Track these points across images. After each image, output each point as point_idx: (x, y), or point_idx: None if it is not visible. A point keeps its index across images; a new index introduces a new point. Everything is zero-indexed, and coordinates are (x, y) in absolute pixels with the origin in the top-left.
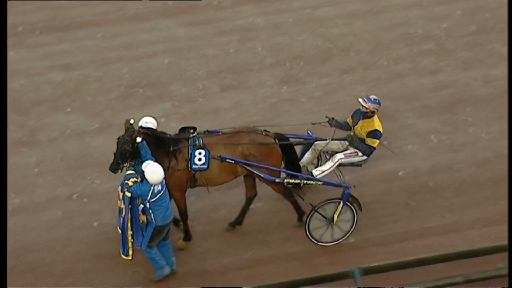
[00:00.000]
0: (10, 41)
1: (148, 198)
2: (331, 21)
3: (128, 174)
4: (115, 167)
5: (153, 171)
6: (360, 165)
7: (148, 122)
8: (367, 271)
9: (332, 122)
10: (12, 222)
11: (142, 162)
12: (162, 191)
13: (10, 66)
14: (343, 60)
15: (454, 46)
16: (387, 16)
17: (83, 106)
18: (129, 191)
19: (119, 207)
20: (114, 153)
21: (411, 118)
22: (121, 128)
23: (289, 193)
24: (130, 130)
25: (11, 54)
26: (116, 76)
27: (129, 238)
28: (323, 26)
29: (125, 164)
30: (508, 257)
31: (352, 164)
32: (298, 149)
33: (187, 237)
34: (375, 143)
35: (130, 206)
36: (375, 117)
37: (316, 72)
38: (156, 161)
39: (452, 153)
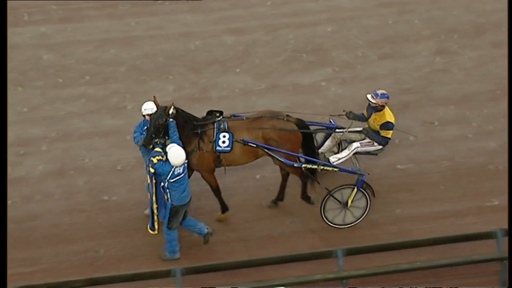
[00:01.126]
0: (187, 6)
1: (168, 177)
2: None
3: (155, 152)
4: (148, 142)
5: (176, 154)
6: (376, 154)
7: (148, 108)
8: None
9: (350, 115)
10: None
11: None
12: (182, 174)
13: (187, 29)
14: (495, 34)
15: None
16: None
17: (251, 68)
18: (153, 168)
19: (146, 182)
20: (147, 128)
21: None
22: (285, 90)
23: (304, 174)
24: (163, 106)
25: (188, 18)
26: (283, 41)
27: (155, 211)
28: (477, 2)
29: (157, 140)
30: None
31: (368, 153)
32: (320, 136)
33: (224, 208)
34: (389, 134)
35: (154, 181)
36: (386, 110)
37: (468, 45)
38: (181, 142)
39: None
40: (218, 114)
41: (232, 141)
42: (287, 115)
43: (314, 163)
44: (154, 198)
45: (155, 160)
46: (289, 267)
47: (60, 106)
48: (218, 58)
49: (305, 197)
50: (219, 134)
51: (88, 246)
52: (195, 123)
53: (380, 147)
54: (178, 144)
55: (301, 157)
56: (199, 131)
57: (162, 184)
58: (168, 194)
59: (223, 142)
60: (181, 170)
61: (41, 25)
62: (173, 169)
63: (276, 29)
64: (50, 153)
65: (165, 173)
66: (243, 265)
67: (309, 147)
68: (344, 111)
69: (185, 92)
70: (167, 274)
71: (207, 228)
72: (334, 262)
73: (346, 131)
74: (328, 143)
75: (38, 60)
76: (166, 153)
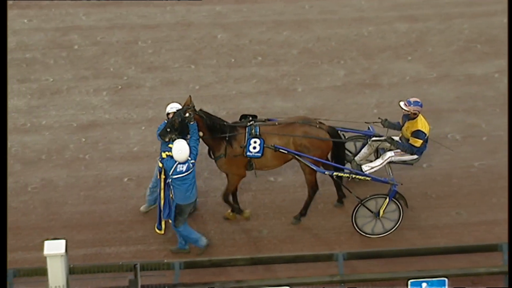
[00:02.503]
0: None
1: (170, 173)
2: None
3: (167, 146)
4: (163, 134)
5: (179, 149)
6: (412, 164)
7: (173, 107)
8: None
9: (385, 123)
10: None
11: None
12: (186, 173)
13: (360, 14)
14: None
15: None
16: None
17: (423, 56)
18: (161, 162)
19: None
20: (166, 121)
21: None
22: (456, 80)
23: (315, 189)
24: (186, 106)
25: (362, 3)
26: (457, 30)
27: (161, 209)
28: None
29: (172, 135)
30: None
31: (404, 163)
32: (359, 144)
33: (234, 210)
34: (417, 142)
35: (163, 177)
36: (419, 118)
37: None
38: (209, 145)
39: None
40: (250, 118)
41: (263, 147)
42: (320, 122)
43: (344, 170)
44: (162, 194)
45: (164, 155)
46: (451, 259)
47: (231, 85)
48: (391, 45)
49: (302, 214)
50: (250, 139)
51: (252, 226)
52: (225, 124)
53: (415, 157)
54: (194, 146)
55: (331, 164)
56: (227, 136)
57: (167, 180)
58: (172, 191)
59: (254, 147)
60: (184, 169)
61: (217, 4)
62: (175, 165)
63: (450, 18)
64: None
65: (167, 168)
66: (403, 253)
67: (339, 155)
68: (379, 118)
69: (356, 77)
70: (329, 257)
71: (205, 239)
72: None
73: (371, 140)
74: (364, 150)
75: (212, 39)
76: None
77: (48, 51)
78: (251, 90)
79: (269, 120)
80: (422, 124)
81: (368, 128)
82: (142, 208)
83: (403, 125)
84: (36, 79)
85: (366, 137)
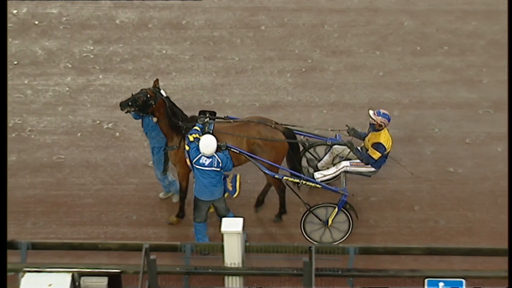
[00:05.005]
0: None
1: (193, 160)
2: None
3: (193, 129)
4: (123, 106)
5: (206, 143)
6: (369, 176)
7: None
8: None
9: (350, 132)
10: None
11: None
12: (206, 168)
13: None
14: None
15: None
16: None
17: None
18: (187, 145)
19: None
20: (132, 94)
21: None
22: None
23: (282, 188)
24: (156, 88)
25: None
26: None
27: None
28: None
29: (131, 109)
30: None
31: (360, 174)
32: (322, 150)
33: (180, 214)
34: (375, 154)
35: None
36: (383, 132)
37: None
38: (164, 134)
39: None
40: (208, 115)
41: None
42: (275, 123)
43: (296, 176)
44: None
45: (191, 138)
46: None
47: (415, 73)
48: None
49: (282, 212)
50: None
51: (429, 215)
52: (181, 119)
53: (373, 169)
54: (229, 160)
55: (283, 169)
56: (184, 128)
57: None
58: (194, 178)
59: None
60: (206, 163)
61: None
62: (199, 155)
63: None
64: (401, 119)
65: (191, 155)
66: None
67: (295, 158)
68: (346, 126)
69: None
70: (504, 252)
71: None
72: None
73: (328, 142)
74: (326, 157)
75: (399, 26)
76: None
77: (236, 31)
78: (435, 79)
79: (228, 118)
80: (385, 138)
81: (335, 136)
82: (161, 195)
83: (366, 135)
84: (222, 58)
85: (330, 143)
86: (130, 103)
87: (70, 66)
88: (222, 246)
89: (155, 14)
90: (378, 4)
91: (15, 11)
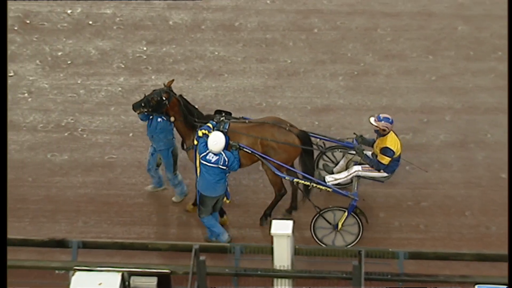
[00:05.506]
0: None
1: (201, 155)
2: None
3: (205, 126)
4: (136, 107)
5: (215, 140)
6: (382, 182)
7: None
8: None
9: (359, 139)
10: None
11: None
12: (212, 165)
13: None
14: None
15: None
16: None
17: None
18: (196, 139)
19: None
20: (144, 95)
21: None
22: None
23: (280, 192)
24: (168, 89)
25: None
26: None
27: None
28: None
29: (144, 110)
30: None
31: (373, 179)
32: (340, 153)
33: (196, 202)
34: (384, 159)
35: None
36: (390, 135)
37: None
38: (181, 134)
39: None
40: (223, 114)
41: (228, 144)
42: (290, 125)
43: (307, 179)
44: (198, 172)
45: (200, 133)
46: None
47: (468, 78)
48: None
49: (267, 214)
50: None
51: (480, 221)
52: (196, 118)
53: (385, 174)
54: (237, 159)
55: (297, 172)
56: (199, 126)
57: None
58: (199, 174)
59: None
60: (213, 159)
61: None
62: (207, 152)
63: None
64: (453, 124)
65: (200, 150)
66: None
67: (308, 162)
68: (354, 133)
69: None
70: None
71: (227, 235)
72: None
73: (347, 152)
74: (341, 162)
75: (452, 31)
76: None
77: (288, 33)
78: (489, 85)
79: (244, 118)
80: (391, 141)
81: (352, 140)
82: (148, 188)
83: (374, 141)
84: (274, 60)
85: (347, 148)
86: (143, 104)
87: (123, 66)
88: (272, 248)
89: (208, 16)
90: (431, 8)
91: (69, 11)
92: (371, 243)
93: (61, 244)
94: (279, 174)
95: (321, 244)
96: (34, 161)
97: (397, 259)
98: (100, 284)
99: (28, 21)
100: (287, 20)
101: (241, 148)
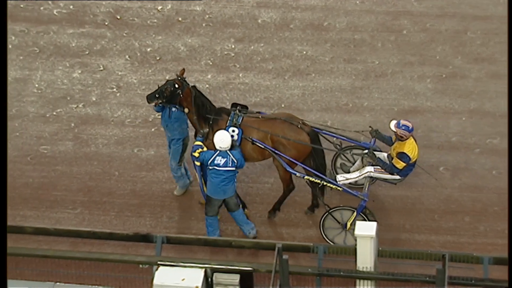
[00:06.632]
0: None
1: (208, 163)
2: None
3: (195, 145)
4: (150, 98)
5: (221, 138)
6: (395, 184)
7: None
8: None
9: (373, 133)
10: None
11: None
12: (221, 168)
13: None
14: None
15: None
16: None
17: None
18: (197, 161)
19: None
20: (158, 85)
21: None
22: None
23: (289, 188)
24: (182, 79)
25: None
26: None
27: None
28: None
29: (159, 101)
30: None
31: (386, 181)
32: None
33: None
34: (399, 164)
35: (202, 174)
36: (409, 141)
37: None
38: (194, 124)
39: None
40: (239, 108)
41: (241, 138)
42: (302, 122)
43: (317, 177)
44: (203, 180)
45: (196, 154)
46: None
47: None
48: None
49: (276, 208)
50: (229, 127)
51: None
52: (210, 105)
53: (398, 177)
54: (241, 159)
55: (308, 168)
56: (212, 118)
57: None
58: (206, 180)
59: (232, 136)
60: (221, 162)
61: None
62: (214, 156)
63: None
64: None
65: (205, 159)
66: None
67: (319, 159)
68: (370, 127)
69: None
70: None
71: (252, 230)
72: None
73: (351, 152)
74: (358, 162)
75: None
76: (205, 145)
77: (377, 34)
78: None
79: (260, 113)
80: (410, 147)
81: (370, 141)
82: (175, 192)
83: (394, 142)
84: (362, 61)
85: (363, 148)
86: (157, 95)
87: (211, 63)
88: (355, 250)
89: (297, 15)
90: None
91: (160, 7)
92: (455, 247)
93: (145, 238)
94: (290, 170)
95: (331, 242)
96: (121, 155)
97: (482, 264)
98: (183, 279)
99: (118, 17)
100: (376, 21)
101: (254, 142)
